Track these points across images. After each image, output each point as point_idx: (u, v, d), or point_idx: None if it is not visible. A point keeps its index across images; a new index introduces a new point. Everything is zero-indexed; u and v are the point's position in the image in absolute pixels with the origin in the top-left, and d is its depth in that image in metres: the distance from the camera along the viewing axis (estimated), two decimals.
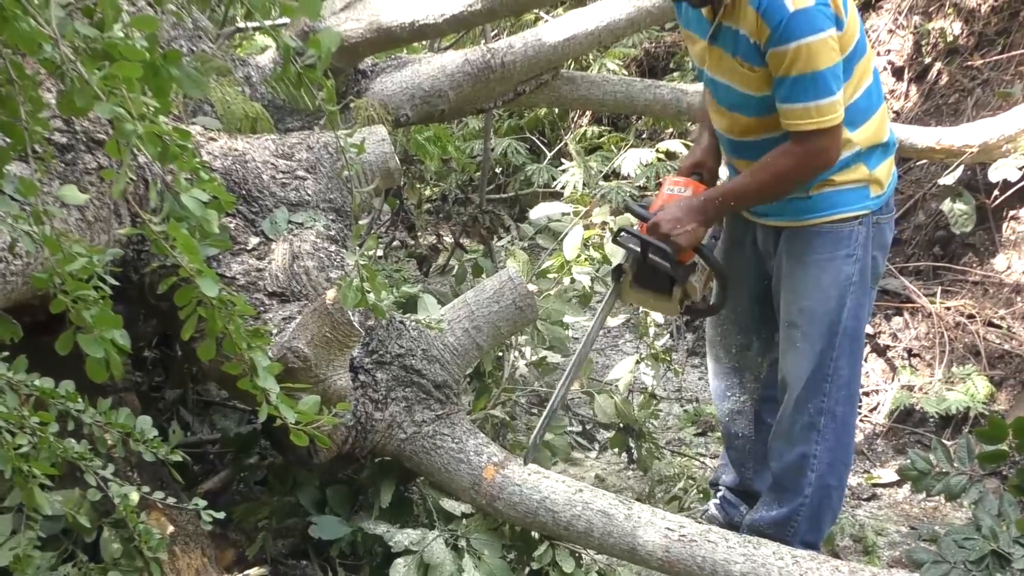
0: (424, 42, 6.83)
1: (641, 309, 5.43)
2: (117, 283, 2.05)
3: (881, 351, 6.32)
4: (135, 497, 2.80)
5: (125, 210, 3.18)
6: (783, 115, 3.45)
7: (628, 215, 4.24)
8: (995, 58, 6.74)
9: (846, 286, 3.68)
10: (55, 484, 2.62)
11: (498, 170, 10.25)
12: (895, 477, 5.36)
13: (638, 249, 3.81)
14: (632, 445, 5.16)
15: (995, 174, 5.84)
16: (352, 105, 4.95)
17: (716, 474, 4.72)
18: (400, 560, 3.49)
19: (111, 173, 2.80)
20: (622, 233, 3.88)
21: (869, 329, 6.23)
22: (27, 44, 1.64)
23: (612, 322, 5.79)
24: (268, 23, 2.15)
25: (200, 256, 1.92)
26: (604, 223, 5.13)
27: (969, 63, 6.91)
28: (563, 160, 8.86)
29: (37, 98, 1.83)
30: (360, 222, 4.69)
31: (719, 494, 4.62)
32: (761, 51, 3.39)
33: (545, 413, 3.91)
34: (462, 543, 3.59)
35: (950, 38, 7.05)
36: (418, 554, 3.49)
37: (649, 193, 7.20)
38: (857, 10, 3.54)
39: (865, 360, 6.26)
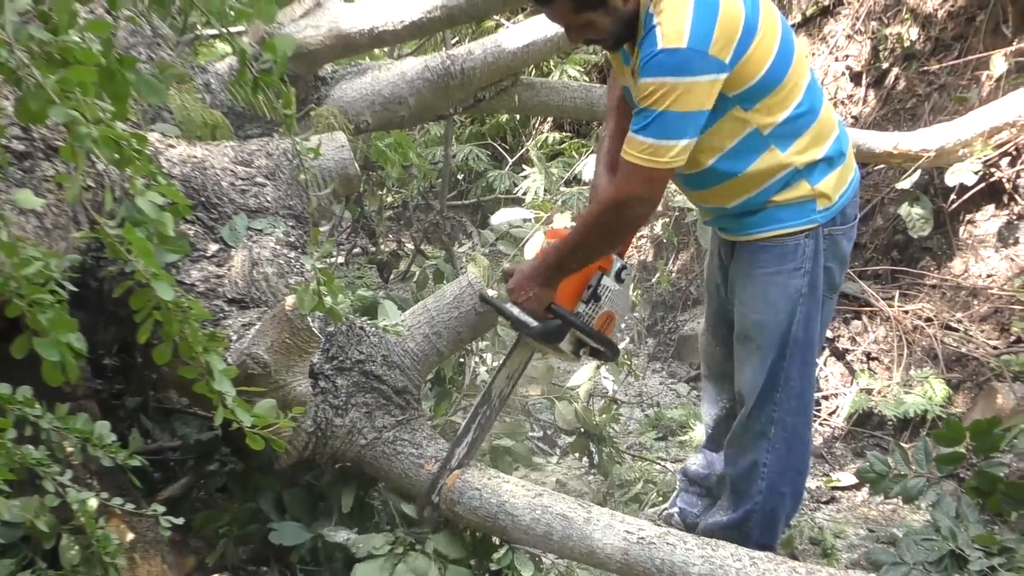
0: (385, 49, 6.84)
1: None
2: (76, 289, 2.04)
3: (840, 355, 6.35)
4: (94, 503, 2.79)
5: (84, 217, 3.16)
6: (625, 141, 3.39)
7: None
8: (951, 63, 6.79)
9: (795, 299, 3.67)
10: (13, 491, 2.61)
11: (460, 176, 10.30)
12: (854, 480, 5.38)
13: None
14: (593, 450, 5.18)
15: (952, 178, 5.90)
16: (312, 113, 4.96)
17: (685, 464, 4.73)
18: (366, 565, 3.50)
19: (66, 177, 2.79)
20: (485, 300, 3.85)
21: (828, 333, 6.26)
22: None
23: None
24: (226, 30, 2.15)
25: (155, 260, 1.92)
26: (566, 229, 5.16)
27: (926, 68, 6.97)
28: (524, 166, 8.91)
29: None
30: (320, 228, 4.69)
31: (680, 494, 4.64)
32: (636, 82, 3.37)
33: (439, 470, 3.80)
34: (429, 548, 3.60)
35: (907, 43, 7.10)
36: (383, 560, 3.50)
37: None
38: (783, 29, 3.46)
39: (824, 364, 6.31)
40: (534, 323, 3.59)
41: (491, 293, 3.95)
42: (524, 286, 3.61)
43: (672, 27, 3.19)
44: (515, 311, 3.62)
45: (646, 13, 3.31)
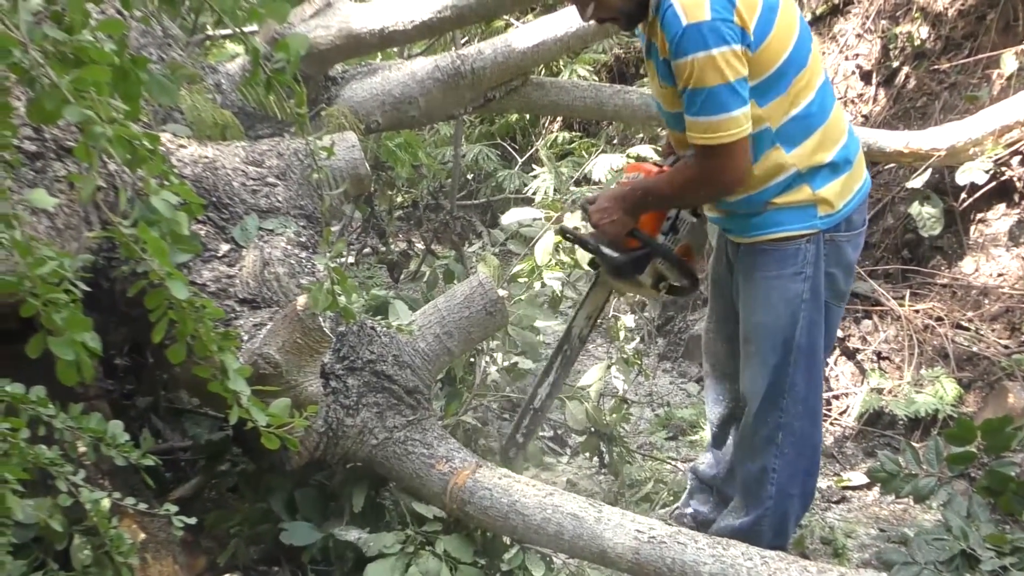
0: (395, 49, 6.85)
1: (611, 314, 5.46)
2: (88, 289, 2.05)
3: (850, 354, 6.34)
4: (106, 503, 2.79)
5: (95, 217, 3.16)
6: (686, 127, 3.45)
7: None
8: (962, 62, 6.78)
9: (797, 303, 3.67)
10: (26, 491, 2.61)
11: (470, 176, 10.30)
12: (865, 480, 5.38)
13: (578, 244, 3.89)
14: (603, 449, 5.18)
15: (962, 177, 5.89)
16: (323, 113, 4.96)
17: (694, 464, 4.74)
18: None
19: (79, 177, 2.80)
20: (566, 232, 3.93)
21: (839, 332, 6.25)
22: None
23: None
24: (239, 29, 2.15)
25: (170, 259, 1.93)
26: (576, 228, 5.16)
27: (936, 67, 6.96)
28: (534, 166, 8.91)
29: (6, 104, 1.83)
30: (331, 228, 4.70)
31: (690, 486, 4.64)
32: (669, 66, 3.39)
33: (523, 410, 3.93)
34: (439, 548, 3.61)
35: (918, 42, 7.09)
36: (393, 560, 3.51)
37: None
38: (801, 24, 3.50)
39: (834, 363, 6.30)
40: (617, 254, 3.72)
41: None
42: (609, 209, 3.72)
43: (692, 1, 3.21)
44: (599, 244, 3.75)
45: None
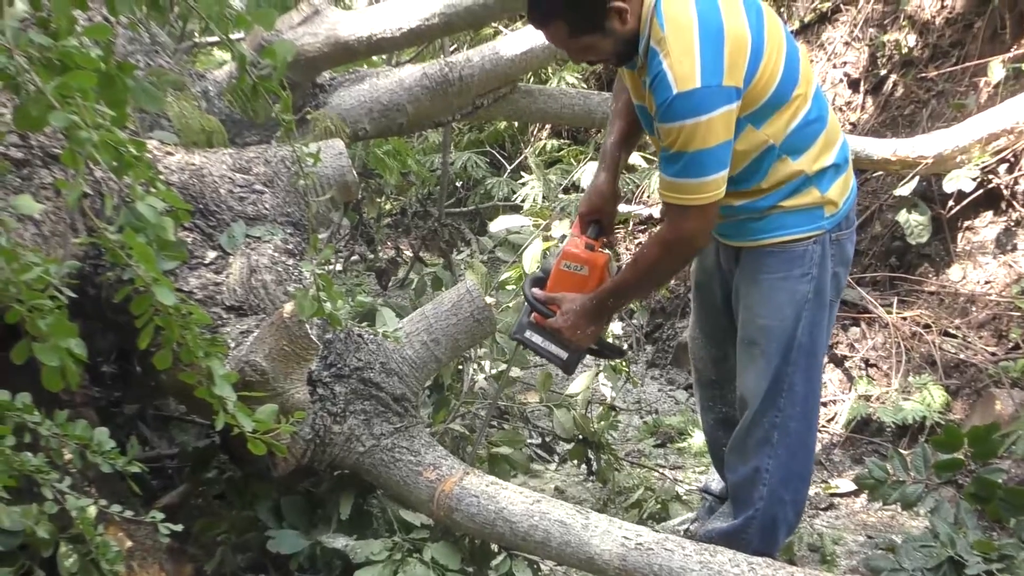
0: (383, 56, 6.84)
1: None
2: (74, 295, 2.04)
3: (838, 361, 6.35)
4: (93, 511, 2.79)
5: (81, 224, 3.16)
6: (659, 184, 3.48)
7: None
8: (949, 70, 6.79)
9: (801, 304, 3.67)
10: (11, 498, 2.60)
11: (458, 184, 10.31)
12: (852, 486, 5.38)
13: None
14: (591, 457, 5.18)
15: (950, 185, 5.90)
16: (310, 118, 4.95)
17: (706, 482, 4.73)
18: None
19: (65, 183, 2.79)
20: (519, 335, 4.01)
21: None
22: None
23: None
24: (226, 36, 2.15)
25: (156, 265, 1.92)
26: (564, 236, 5.15)
27: (924, 75, 6.97)
28: (523, 173, 8.93)
29: None
30: (319, 235, 4.70)
31: (706, 504, 4.63)
32: (654, 120, 3.40)
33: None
34: (427, 555, 3.59)
35: (905, 50, 7.11)
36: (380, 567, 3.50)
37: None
38: (787, 38, 3.51)
39: (823, 371, 6.30)
40: (565, 355, 3.86)
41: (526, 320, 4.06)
42: (580, 325, 3.76)
43: (682, 69, 3.18)
44: (548, 347, 3.89)
45: (648, 47, 3.31)
